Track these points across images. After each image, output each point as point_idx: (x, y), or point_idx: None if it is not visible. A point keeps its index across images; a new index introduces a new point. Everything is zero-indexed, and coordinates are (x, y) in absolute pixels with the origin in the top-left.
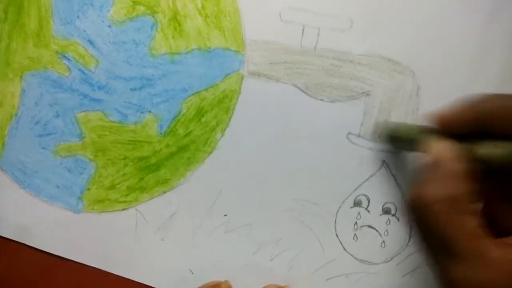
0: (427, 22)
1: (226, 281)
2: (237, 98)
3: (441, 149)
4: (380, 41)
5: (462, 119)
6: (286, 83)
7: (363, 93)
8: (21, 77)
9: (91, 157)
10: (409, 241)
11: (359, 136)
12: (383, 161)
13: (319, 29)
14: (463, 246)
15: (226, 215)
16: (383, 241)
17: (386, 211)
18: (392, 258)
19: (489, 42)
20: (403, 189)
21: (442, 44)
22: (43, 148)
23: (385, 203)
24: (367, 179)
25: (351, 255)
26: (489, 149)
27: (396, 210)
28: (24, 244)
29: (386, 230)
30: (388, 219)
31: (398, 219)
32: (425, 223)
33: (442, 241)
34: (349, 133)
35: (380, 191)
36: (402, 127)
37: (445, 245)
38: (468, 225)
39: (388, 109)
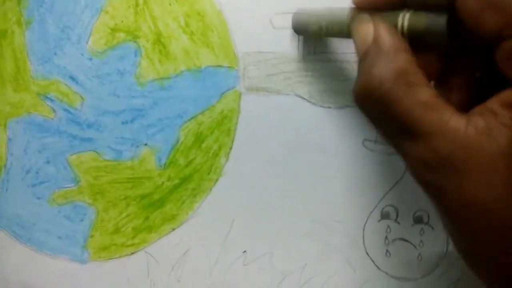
0: None
1: None
2: (237, 118)
3: (371, 28)
4: None
5: None
6: (288, 94)
7: None
8: (5, 126)
9: (90, 201)
10: (447, 249)
11: (376, 142)
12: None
13: None
14: (422, 120)
15: (245, 251)
16: (419, 253)
17: (417, 220)
18: (431, 271)
19: None
20: None
21: None
22: (38, 198)
23: (416, 211)
24: (392, 188)
25: (386, 273)
26: (413, 21)
27: (428, 217)
28: None
29: (421, 241)
30: (422, 228)
31: (433, 228)
32: (377, 109)
33: (399, 121)
34: (364, 139)
35: (408, 199)
36: (313, 16)
37: (403, 125)
38: (423, 97)
39: None
